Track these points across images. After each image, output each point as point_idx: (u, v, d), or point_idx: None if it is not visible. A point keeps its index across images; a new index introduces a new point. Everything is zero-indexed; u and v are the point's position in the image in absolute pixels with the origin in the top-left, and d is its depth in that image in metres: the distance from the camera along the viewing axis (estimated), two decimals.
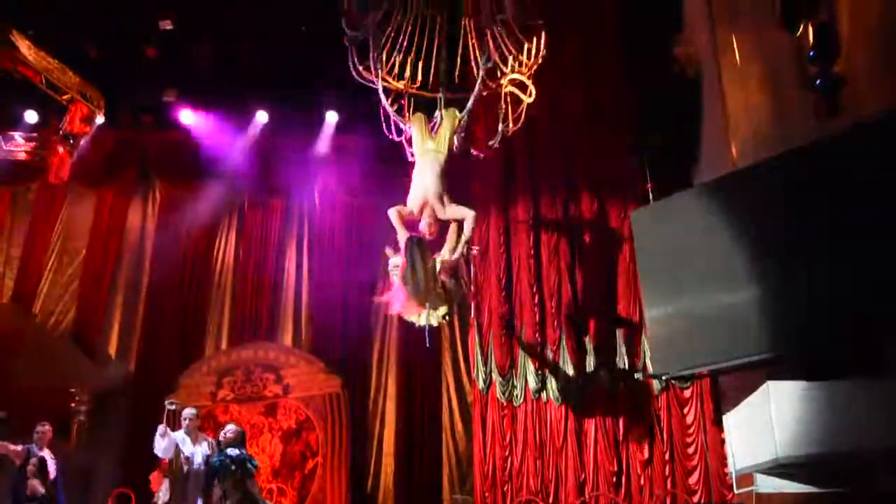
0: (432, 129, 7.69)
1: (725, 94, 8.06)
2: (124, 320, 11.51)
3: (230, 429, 7.96)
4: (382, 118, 7.81)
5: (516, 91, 7.42)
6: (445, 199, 7.27)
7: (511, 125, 7.71)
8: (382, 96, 7.53)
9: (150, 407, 10.76)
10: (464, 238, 7.28)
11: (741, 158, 7.67)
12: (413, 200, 7.36)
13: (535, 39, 7.34)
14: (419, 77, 7.49)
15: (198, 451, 7.98)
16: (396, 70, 7.48)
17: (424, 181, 7.36)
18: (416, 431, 10.47)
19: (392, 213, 7.31)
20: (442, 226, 7.43)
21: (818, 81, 6.86)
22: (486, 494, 9.15)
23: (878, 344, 6.31)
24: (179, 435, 7.97)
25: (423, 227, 7.27)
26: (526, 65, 7.29)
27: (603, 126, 9.32)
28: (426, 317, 7.00)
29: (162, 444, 7.82)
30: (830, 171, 6.55)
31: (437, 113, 7.76)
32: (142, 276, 11.74)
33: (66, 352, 10.99)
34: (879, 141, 6.21)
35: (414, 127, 7.62)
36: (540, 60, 7.36)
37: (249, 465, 7.55)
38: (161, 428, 7.87)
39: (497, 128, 7.81)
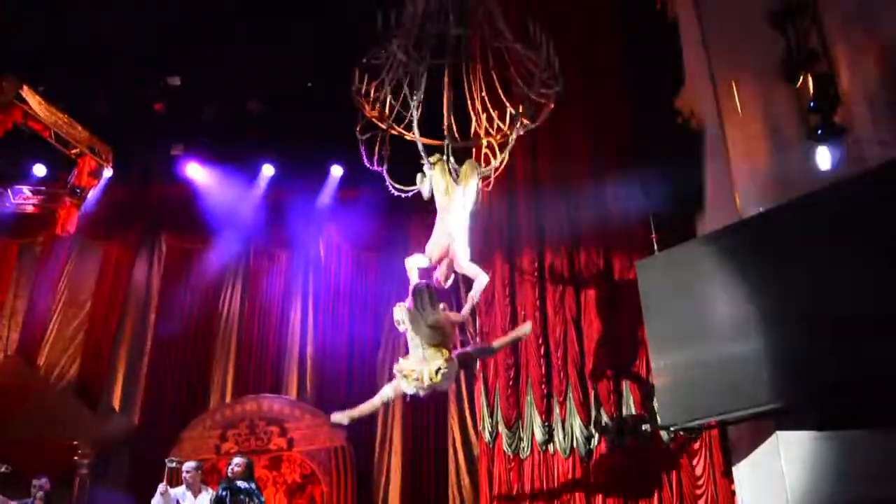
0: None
1: (728, 145, 8.12)
2: (128, 373, 11.49)
3: (237, 462, 7.96)
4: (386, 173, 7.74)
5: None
6: (467, 252, 7.17)
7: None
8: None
9: (154, 460, 10.69)
10: (472, 300, 7.20)
11: (745, 208, 7.69)
12: (434, 248, 7.21)
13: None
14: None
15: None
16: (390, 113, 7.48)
17: (449, 230, 7.23)
18: (422, 486, 10.37)
19: (409, 262, 7.15)
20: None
21: (819, 131, 6.93)
22: None
23: (887, 393, 6.26)
24: (179, 490, 7.92)
25: (440, 275, 7.19)
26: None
27: (607, 176, 9.37)
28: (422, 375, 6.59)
29: (160, 503, 7.77)
30: (834, 220, 6.57)
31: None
32: (146, 329, 11.76)
33: (70, 404, 10.98)
34: (883, 190, 6.24)
35: (437, 172, 7.43)
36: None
37: (257, 500, 7.43)
38: (161, 486, 7.86)
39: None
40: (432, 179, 7.45)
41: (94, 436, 10.70)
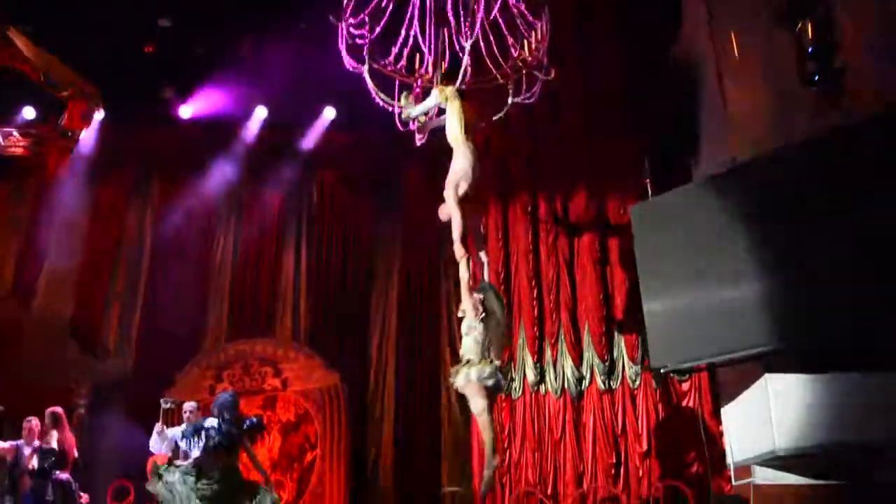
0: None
1: (724, 90, 8.11)
2: (123, 315, 11.50)
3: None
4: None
5: (535, 73, 7.26)
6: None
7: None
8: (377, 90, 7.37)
9: (149, 401, 10.73)
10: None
11: (740, 153, 7.71)
12: (456, 177, 7.03)
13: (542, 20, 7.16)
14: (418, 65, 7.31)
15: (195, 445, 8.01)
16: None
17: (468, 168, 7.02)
18: (414, 424, 10.51)
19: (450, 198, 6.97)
20: None
21: (817, 77, 6.91)
22: None
23: (876, 336, 6.37)
24: (177, 430, 8.01)
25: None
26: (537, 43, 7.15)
27: (602, 121, 9.35)
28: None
29: (158, 442, 7.87)
30: (830, 165, 6.60)
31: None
32: (140, 272, 11.74)
33: (65, 348, 11.00)
34: (879, 136, 6.27)
35: (455, 104, 7.12)
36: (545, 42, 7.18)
37: (218, 435, 7.38)
38: (157, 426, 7.94)
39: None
40: (452, 113, 7.15)
41: (90, 378, 10.78)
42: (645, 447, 8.69)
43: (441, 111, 7.31)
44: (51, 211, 11.63)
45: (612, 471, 8.71)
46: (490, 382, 6.42)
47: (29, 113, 11.00)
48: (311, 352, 11.01)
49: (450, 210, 6.94)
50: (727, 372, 8.12)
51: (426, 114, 7.42)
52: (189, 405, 8.29)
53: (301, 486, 10.29)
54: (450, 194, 6.96)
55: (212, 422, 7.39)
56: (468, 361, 6.47)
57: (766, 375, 6.82)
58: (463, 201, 6.95)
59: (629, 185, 9.24)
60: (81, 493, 8.34)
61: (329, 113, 11.39)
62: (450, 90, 7.11)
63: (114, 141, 11.41)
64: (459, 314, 6.77)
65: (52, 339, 11.03)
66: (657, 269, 8.00)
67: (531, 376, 9.24)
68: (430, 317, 10.96)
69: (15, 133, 10.94)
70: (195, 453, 7.61)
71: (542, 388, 9.24)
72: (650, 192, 8.64)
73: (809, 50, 6.90)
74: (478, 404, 6.53)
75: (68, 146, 10.18)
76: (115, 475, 10.11)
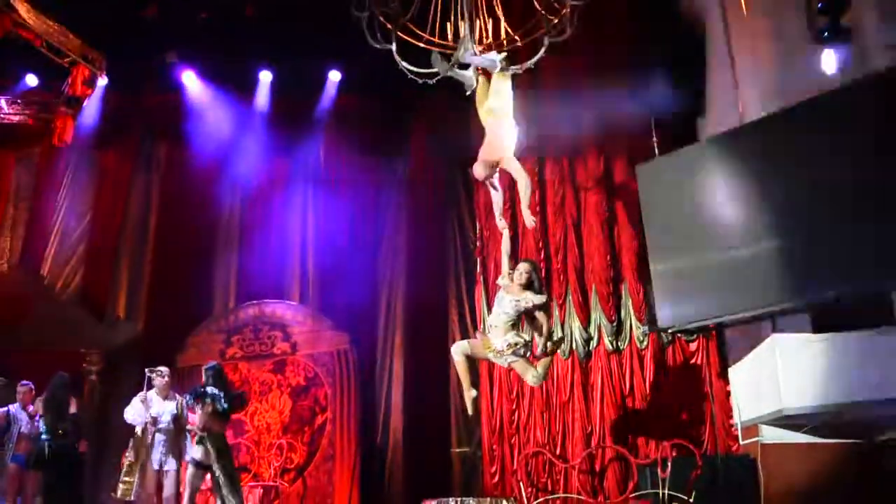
0: None
1: (732, 48, 8.02)
2: (132, 281, 11.57)
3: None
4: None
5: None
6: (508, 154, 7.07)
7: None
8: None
9: (160, 365, 10.93)
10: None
11: (748, 112, 7.65)
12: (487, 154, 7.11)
13: None
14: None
15: (165, 411, 8.17)
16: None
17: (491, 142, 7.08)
18: (423, 386, 10.54)
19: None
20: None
21: (826, 34, 6.82)
22: (494, 447, 9.32)
23: (883, 296, 6.37)
24: (150, 394, 8.13)
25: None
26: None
27: (609, 80, 9.24)
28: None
29: (141, 411, 8.04)
30: (837, 123, 6.55)
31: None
32: (148, 236, 11.79)
33: (75, 314, 11.08)
34: (888, 93, 6.20)
35: (480, 86, 7.18)
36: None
37: (219, 402, 7.50)
38: (141, 395, 8.10)
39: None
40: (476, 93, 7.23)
41: (100, 344, 10.87)
42: (653, 407, 8.73)
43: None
44: (57, 178, 11.65)
45: (620, 431, 8.77)
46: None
47: (32, 80, 10.95)
48: (319, 315, 11.04)
49: (518, 175, 7.05)
50: (734, 332, 8.14)
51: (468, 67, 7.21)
52: (161, 369, 8.36)
53: (311, 449, 10.38)
54: (516, 163, 7.08)
55: (213, 389, 7.49)
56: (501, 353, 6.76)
57: (773, 335, 6.83)
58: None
59: (636, 144, 9.17)
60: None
61: (335, 76, 11.31)
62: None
63: (118, 107, 11.38)
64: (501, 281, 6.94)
65: (61, 307, 11.11)
66: (664, 229, 8.00)
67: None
68: (439, 279, 10.96)
69: (19, 101, 10.91)
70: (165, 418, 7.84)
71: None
72: (657, 152, 8.58)
73: (819, 6, 6.79)
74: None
75: (73, 113, 10.12)
76: (126, 439, 10.24)
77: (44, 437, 8.08)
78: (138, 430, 8.05)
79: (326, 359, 10.72)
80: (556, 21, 6.70)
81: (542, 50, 6.88)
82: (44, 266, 11.36)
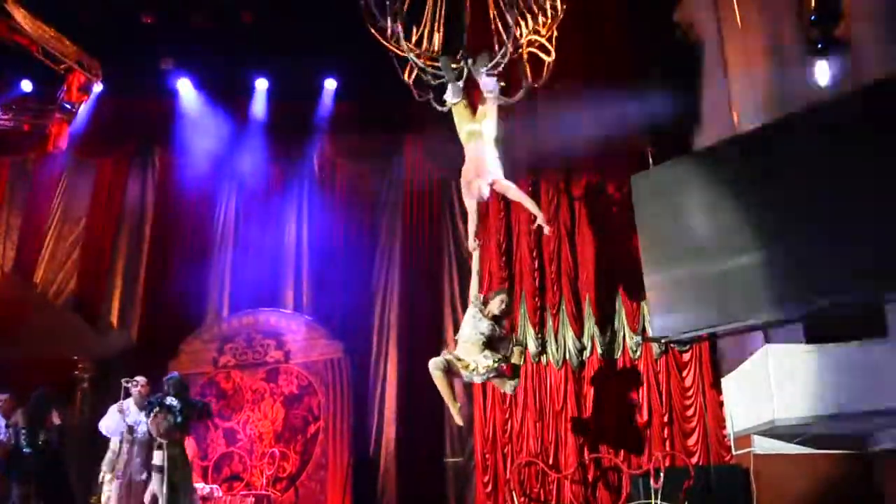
0: None
1: (727, 59, 8.05)
2: (126, 288, 11.55)
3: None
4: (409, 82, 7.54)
5: (537, 52, 7.24)
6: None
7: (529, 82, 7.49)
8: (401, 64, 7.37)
9: (153, 374, 10.87)
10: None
11: (742, 123, 7.67)
12: (466, 174, 7.43)
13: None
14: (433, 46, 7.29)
15: (142, 420, 8.04)
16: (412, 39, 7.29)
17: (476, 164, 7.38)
18: (417, 395, 10.51)
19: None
20: None
21: (819, 45, 6.85)
22: (487, 456, 9.30)
23: (876, 307, 6.37)
24: (127, 403, 8.09)
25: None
26: (545, 25, 7.13)
27: (604, 91, 9.26)
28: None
29: (119, 421, 7.96)
30: (832, 135, 6.56)
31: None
32: (142, 244, 11.77)
33: (68, 321, 11.06)
34: (882, 105, 6.22)
35: (457, 111, 7.52)
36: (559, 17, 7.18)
37: (174, 415, 7.49)
38: (118, 405, 8.02)
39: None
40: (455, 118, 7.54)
41: (93, 351, 10.83)
42: (646, 417, 8.74)
43: None
44: (51, 185, 11.64)
45: (613, 441, 8.76)
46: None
47: (27, 86, 10.96)
48: (313, 324, 11.02)
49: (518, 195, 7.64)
50: (727, 342, 8.15)
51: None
52: (138, 379, 8.28)
53: (304, 458, 10.35)
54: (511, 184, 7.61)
55: (172, 399, 7.49)
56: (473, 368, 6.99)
57: (766, 345, 6.83)
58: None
59: (631, 155, 9.20)
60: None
61: (330, 84, 11.33)
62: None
63: (113, 113, 11.38)
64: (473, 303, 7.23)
65: (54, 314, 11.09)
66: (658, 239, 8.00)
67: (533, 347, 9.29)
68: (433, 287, 10.95)
69: (13, 107, 10.91)
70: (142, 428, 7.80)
71: (544, 358, 9.31)
72: (651, 163, 8.60)
73: (812, 18, 6.82)
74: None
75: (68, 119, 10.12)
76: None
77: (25, 450, 8.07)
78: (114, 441, 8.02)
79: (320, 367, 10.70)
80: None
81: (523, 91, 7.29)
82: (37, 273, 11.35)
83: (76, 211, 11.72)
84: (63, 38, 9.52)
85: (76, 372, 10.62)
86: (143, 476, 7.83)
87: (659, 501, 7.79)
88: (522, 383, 9.22)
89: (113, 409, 8.05)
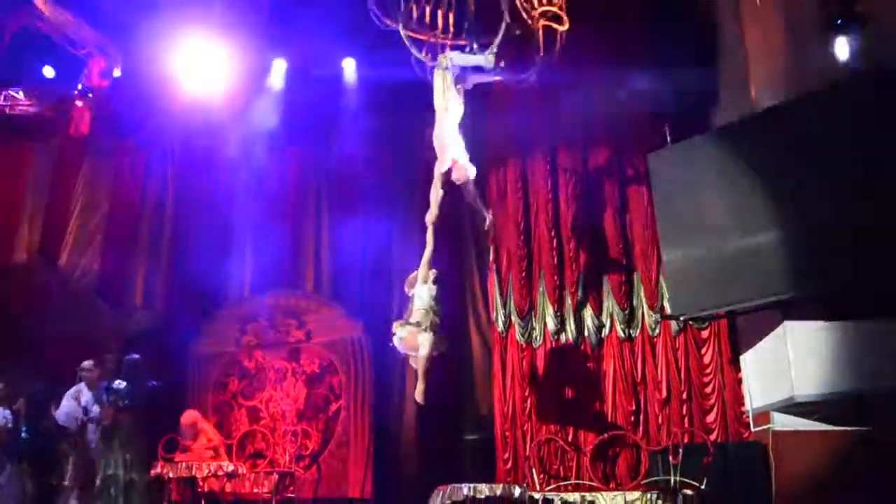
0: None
1: (745, 36, 8.00)
2: (149, 270, 11.64)
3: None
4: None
5: (551, 24, 7.26)
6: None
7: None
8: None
9: (177, 354, 11.04)
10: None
11: (760, 101, 7.63)
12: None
13: None
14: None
15: (95, 401, 8.46)
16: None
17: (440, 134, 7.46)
18: (437, 373, 10.56)
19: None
20: None
21: (839, 21, 6.80)
22: (507, 434, 9.36)
23: (893, 283, 6.37)
24: (80, 388, 8.42)
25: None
26: None
27: (621, 68, 9.23)
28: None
29: (75, 408, 8.30)
30: (852, 112, 6.52)
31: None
32: (164, 226, 11.84)
33: (93, 303, 11.18)
34: None
35: (435, 83, 7.54)
36: None
37: (120, 400, 7.77)
38: (73, 390, 8.40)
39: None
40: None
41: (118, 332, 10.97)
42: (664, 395, 8.78)
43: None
44: (74, 169, 11.74)
45: (632, 418, 8.82)
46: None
47: (49, 72, 11.03)
48: (334, 303, 11.10)
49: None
50: (746, 319, 8.15)
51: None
52: (87, 363, 8.61)
53: (326, 436, 10.47)
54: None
55: (120, 383, 7.63)
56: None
57: (785, 323, 6.86)
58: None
59: (648, 133, 9.16)
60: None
61: (350, 65, 11.32)
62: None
63: (134, 97, 11.42)
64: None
65: (79, 296, 11.20)
66: (676, 217, 8.00)
67: (551, 325, 9.32)
68: (453, 267, 10.97)
69: (36, 93, 11.01)
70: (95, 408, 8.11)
71: (563, 336, 9.32)
72: (669, 141, 8.58)
73: None
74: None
75: (89, 105, 10.22)
76: (142, 426, 10.38)
77: (23, 434, 8.46)
78: (73, 424, 8.35)
79: (341, 346, 10.79)
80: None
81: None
82: (61, 256, 11.48)
83: (99, 194, 11.78)
84: (83, 24, 9.60)
85: (102, 354, 10.77)
86: (100, 455, 8.21)
87: (678, 478, 7.85)
88: (541, 361, 9.30)
89: (68, 395, 8.38)
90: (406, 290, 7.73)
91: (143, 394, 7.87)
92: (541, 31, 7.33)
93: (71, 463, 8.28)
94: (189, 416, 10.08)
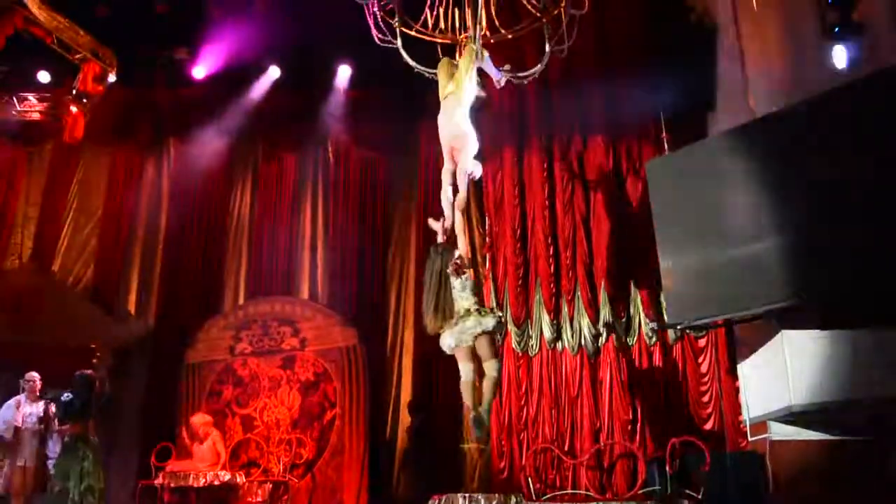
0: None
1: (743, 43, 7.98)
2: (143, 277, 11.64)
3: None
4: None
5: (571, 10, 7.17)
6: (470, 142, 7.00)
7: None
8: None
9: (170, 362, 11.00)
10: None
11: (758, 108, 7.61)
12: (443, 146, 7.12)
13: None
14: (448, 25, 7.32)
15: (33, 412, 8.63)
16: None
17: (446, 124, 7.09)
18: (433, 384, 10.55)
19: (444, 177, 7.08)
20: None
21: (837, 29, 6.78)
22: (503, 443, 9.30)
23: (892, 291, 6.33)
24: (21, 398, 8.66)
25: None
26: None
27: (618, 76, 9.22)
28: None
29: (11, 418, 8.55)
30: (849, 119, 6.50)
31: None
32: (158, 233, 11.85)
33: (86, 309, 11.15)
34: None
35: (440, 72, 7.30)
36: None
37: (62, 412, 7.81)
38: (13, 400, 8.63)
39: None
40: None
41: (111, 339, 10.91)
42: (661, 404, 8.72)
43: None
44: (68, 175, 11.71)
45: (629, 427, 8.75)
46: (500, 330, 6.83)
47: (43, 77, 11.00)
48: (329, 311, 11.07)
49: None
50: (744, 328, 8.11)
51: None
52: (30, 375, 8.79)
53: (320, 444, 10.42)
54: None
55: (68, 395, 7.73)
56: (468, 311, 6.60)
57: (783, 331, 6.79)
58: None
59: (645, 140, 9.16)
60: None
61: (344, 70, 11.31)
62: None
63: (129, 103, 11.42)
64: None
65: (72, 303, 11.18)
66: (673, 225, 7.96)
67: (548, 333, 9.27)
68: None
69: (30, 98, 10.98)
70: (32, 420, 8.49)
71: (559, 345, 9.27)
72: (667, 148, 8.55)
73: (829, 1, 6.76)
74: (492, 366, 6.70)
75: (83, 110, 10.19)
76: (134, 435, 10.35)
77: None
78: (9, 432, 8.55)
79: (336, 354, 10.75)
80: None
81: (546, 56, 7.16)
82: (55, 262, 11.44)
83: (93, 200, 11.79)
84: (78, 28, 9.58)
85: (94, 360, 10.69)
86: (29, 463, 8.47)
87: (675, 487, 7.79)
88: (537, 369, 9.25)
89: (9, 403, 8.63)
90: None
91: (90, 407, 7.94)
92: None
93: (3, 472, 8.54)
94: (203, 416, 10.18)
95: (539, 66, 7.28)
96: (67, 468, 7.33)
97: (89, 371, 8.26)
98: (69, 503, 7.20)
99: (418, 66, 7.30)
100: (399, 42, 7.04)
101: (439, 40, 7.35)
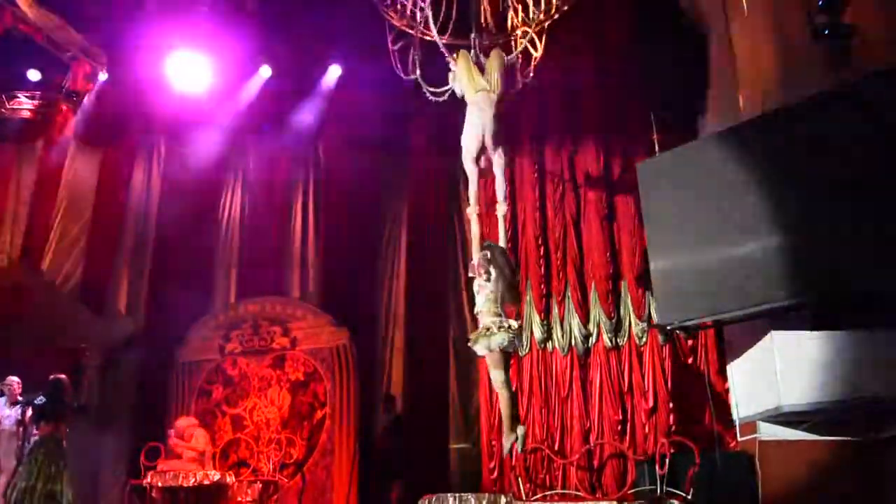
0: None
1: (733, 45, 7.99)
2: (132, 276, 11.60)
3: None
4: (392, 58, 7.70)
5: (528, 46, 7.33)
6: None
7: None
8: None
9: (160, 361, 10.96)
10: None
11: (748, 109, 7.63)
12: (470, 142, 7.35)
13: None
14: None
15: (10, 415, 8.68)
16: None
17: (482, 120, 7.33)
18: (423, 384, 10.55)
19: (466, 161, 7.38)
20: None
21: (826, 31, 6.81)
22: (493, 443, 9.31)
23: (882, 294, 6.36)
24: (0, 400, 8.78)
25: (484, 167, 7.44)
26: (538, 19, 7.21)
27: (609, 77, 9.25)
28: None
29: None
30: (839, 120, 6.52)
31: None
32: (148, 231, 11.81)
33: (75, 309, 11.10)
34: (889, 91, 6.19)
35: (461, 65, 7.49)
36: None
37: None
38: None
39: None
40: (457, 75, 7.54)
41: (100, 339, 10.88)
42: (651, 404, 8.74)
43: None
44: (58, 173, 11.65)
45: (619, 427, 8.78)
46: (509, 349, 6.88)
47: (34, 75, 10.97)
48: (319, 311, 11.05)
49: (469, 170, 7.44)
50: (733, 329, 8.13)
51: None
52: (10, 379, 8.84)
53: (310, 444, 10.41)
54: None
55: (40, 399, 7.83)
56: (488, 330, 6.76)
57: (772, 332, 6.82)
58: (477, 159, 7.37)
59: (636, 141, 9.17)
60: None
61: (335, 70, 11.30)
62: (457, 54, 7.51)
63: (118, 101, 11.38)
64: (470, 274, 6.99)
65: (61, 302, 11.13)
66: (664, 225, 7.96)
67: (538, 334, 9.29)
68: (439, 275, 10.96)
69: (20, 96, 10.93)
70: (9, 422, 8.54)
71: (549, 345, 9.30)
72: (657, 149, 8.57)
73: (819, 3, 6.78)
74: (498, 376, 6.87)
75: (73, 108, 10.16)
76: (125, 434, 10.31)
77: None
78: None
79: (326, 354, 10.73)
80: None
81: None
82: (44, 260, 11.38)
83: (82, 199, 11.74)
84: (68, 27, 9.54)
85: (83, 360, 10.67)
86: (4, 464, 8.51)
87: (664, 488, 7.81)
88: (528, 370, 9.26)
89: None
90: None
91: (60, 411, 8.00)
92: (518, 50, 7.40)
93: None
94: (188, 419, 10.27)
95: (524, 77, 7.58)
96: (31, 469, 7.43)
97: (62, 375, 8.36)
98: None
99: (434, 91, 7.67)
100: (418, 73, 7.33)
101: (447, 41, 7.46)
